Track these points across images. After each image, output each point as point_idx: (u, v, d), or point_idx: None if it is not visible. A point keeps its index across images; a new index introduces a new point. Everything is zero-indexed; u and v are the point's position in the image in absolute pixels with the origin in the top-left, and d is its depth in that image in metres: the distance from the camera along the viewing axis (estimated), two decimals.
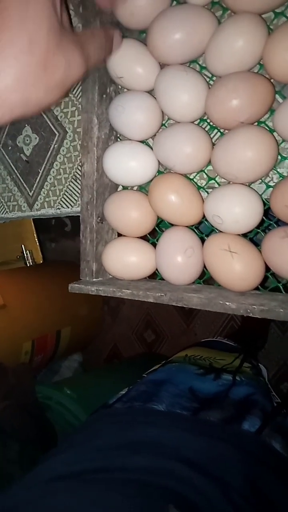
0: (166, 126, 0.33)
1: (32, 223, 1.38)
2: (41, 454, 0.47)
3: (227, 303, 0.26)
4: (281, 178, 0.29)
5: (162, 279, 0.33)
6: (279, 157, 0.28)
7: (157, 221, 0.33)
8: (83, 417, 0.81)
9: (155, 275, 0.34)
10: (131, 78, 0.32)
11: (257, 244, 0.29)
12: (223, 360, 0.60)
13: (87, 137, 0.33)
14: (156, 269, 0.33)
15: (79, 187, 0.40)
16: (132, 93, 0.32)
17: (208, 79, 0.31)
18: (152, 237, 0.34)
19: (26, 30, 0.24)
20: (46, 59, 0.25)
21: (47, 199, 0.42)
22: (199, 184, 0.32)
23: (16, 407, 0.62)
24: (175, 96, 0.29)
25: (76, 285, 0.33)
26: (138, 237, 0.34)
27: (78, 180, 0.40)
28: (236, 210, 0.27)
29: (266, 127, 0.29)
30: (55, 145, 0.41)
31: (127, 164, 0.32)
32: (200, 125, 0.32)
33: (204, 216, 0.30)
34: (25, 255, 1.40)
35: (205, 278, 0.31)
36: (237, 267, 0.27)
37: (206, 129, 0.31)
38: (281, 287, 0.29)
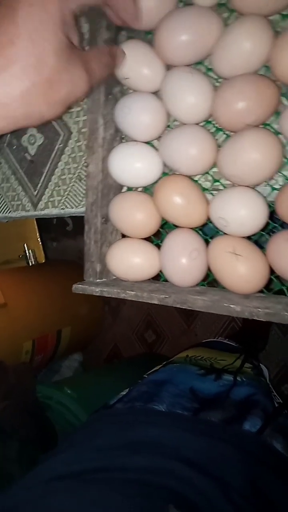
0: (171, 128, 0.33)
1: (35, 222, 1.38)
2: (41, 454, 0.47)
3: (232, 306, 0.26)
4: (286, 180, 0.29)
5: (166, 280, 0.33)
6: (285, 160, 0.28)
7: (162, 222, 0.33)
8: (83, 417, 0.81)
9: (158, 277, 0.34)
10: (137, 79, 0.32)
11: (261, 246, 0.29)
12: (224, 361, 0.60)
13: (93, 138, 0.33)
14: (160, 271, 0.33)
15: (84, 187, 0.40)
16: (138, 94, 0.32)
17: (214, 81, 0.31)
18: (156, 238, 0.34)
19: (36, 48, 0.25)
20: (52, 76, 0.26)
21: (51, 199, 0.42)
22: (204, 186, 0.32)
23: (17, 407, 0.62)
24: (181, 98, 0.29)
25: (80, 285, 0.33)
26: (142, 239, 0.34)
27: (82, 181, 0.40)
28: (241, 212, 0.27)
29: (272, 130, 0.29)
30: (60, 145, 0.41)
31: (132, 165, 0.32)
32: (206, 127, 0.32)
33: (208, 218, 0.30)
34: (28, 254, 1.40)
35: (209, 280, 0.31)
36: (242, 270, 0.27)
37: (212, 131, 0.31)
38: (285, 290, 0.29)
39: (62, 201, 0.41)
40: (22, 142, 0.44)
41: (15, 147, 0.44)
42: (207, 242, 0.31)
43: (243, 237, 0.29)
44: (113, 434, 0.42)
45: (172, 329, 1.43)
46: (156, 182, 0.33)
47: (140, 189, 0.35)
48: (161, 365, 0.61)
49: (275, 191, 0.29)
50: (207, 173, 0.32)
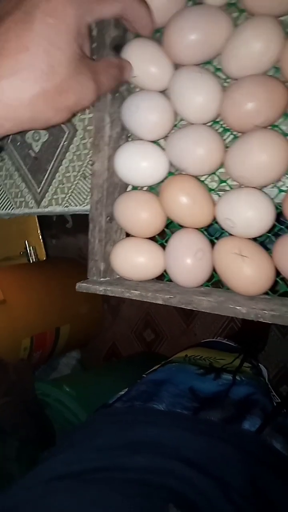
0: (178, 127, 0.33)
1: (37, 219, 1.38)
2: (40, 452, 0.47)
3: (238, 308, 0.26)
4: None
5: (170, 280, 0.32)
6: None
7: (167, 222, 0.33)
8: (82, 415, 0.81)
9: (162, 277, 0.33)
10: (145, 78, 0.32)
11: (267, 248, 0.29)
12: (223, 360, 0.60)
13: (99, 136, 0.33)
14: (164, 271, 0.32)
15: (88, 185, 0.39)
16: (145, 93, 0.32)
17: (222, 81, 0.31)
18: (160, 238, 0.34)
19: (49, 56, 0.25)
20: (62, 85, 0.26)
21: (55, 197, 0.42)
22: (210, 186, 0.32)
23: (16, 404, 0.62)
24: (190, 98, 0.29)
25: (84, 284, 0.33)
26: (146, 238, 0.34)
27: (87, 178, 0.39)
28: (249, 214, 0.27)
29: (280, 131, 0.29)
30: (65, 143, 0.40)
31: (138, 164, 0.32)
32: (213, 127, 0.31)
33: (214, 219, 0.30)
34: (28, 251, 1.40)
35: (213, 281, 0.31)
36: (247, 271, 0.27)
37: (219, 131, 0.31)
38: None
39: (66, 198, 0.41)
40: (26, 138, 0.43)
41: (19, 143, 0.44)
42: (212, 243, 0.31)
43: (249, 239, 0.29)
44: (113, 434, 0.42)
45: (171, 328, 1.43)
46: (162, 181, 0.33)
47: (145, 188, 0.35)
48: (159, 365, 0.61)
49: (282, 193, 0.29)
50: (213, 173, 0.32)
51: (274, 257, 0.28)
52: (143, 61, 0.31)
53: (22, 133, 0.44)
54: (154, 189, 0.34)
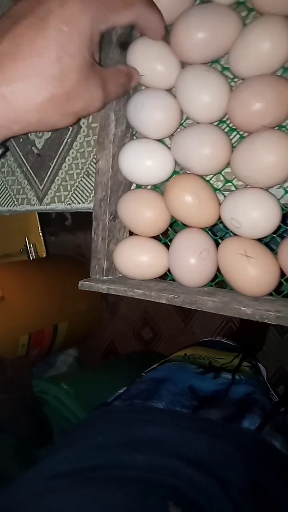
0: (184, 126, 0.33)
1: (37, 216, 1.37)
2: (37, 450, 0.47)
3: (243, 308, 0.26)
4: None
5: (173, 280, 0.32)
6: None
7: (171, 221, 0.33)
8: (80, 413, 0.81)
9: (165, 276, 0.33)
10: (151, 76, 0.31)
11: (271, 249, 0.29)
12: (222, 359, 0.60)
13: (104, 134, 0.33)
14: (168, 270, 0.32)
15: (92, 183, 0.39)
16: (152, 91, 0.31)
17: (229, 80, 0.31)
18: (164, 237, 0.34)
19: (61, 62, 0.26)
20: (71, 91, 0.27)
21: (57, 194, 0.42)
22: (215, 186, 0.32)
23: (15, 401, 0.62)
24: (197, 96, 0.29)
25: (87, 282, 0.33)
26: (150, 237, 0.33)
27: (90, 176, 0.39)
28: (254, 214, 0.27)
29: (287, 132, 0.29)
30: (68, 140, 0.40)
31: (143, 162, 0.31)
32: (220, 126, 0.31)
33: (219, 219, 0.30)
34: (28, 248, 1.40)
35: (217, 281, 0.31)
36: (252, 272, 0.27)
37: (226, 131, 0.31)
38: None
39: (69, 196, 0.41)
40: (29, 135, 0.43)
41: (21, 140, 0.44)
42: (216, 243, 0.31)
43: (255, 239, 0.29)
44: (113, 432, 0.42)
45: (169, 327, 1.43)
46: (166, 180, 0.32)
47: (149, 186, 0.35)
48: (159, 363, 0.61)
49: None
50: (219, 173, 0.31)
51: (279, 258, 0.28)
52: (150, 59, 0.31)
53: None
54: (158, 188, 0.34)
